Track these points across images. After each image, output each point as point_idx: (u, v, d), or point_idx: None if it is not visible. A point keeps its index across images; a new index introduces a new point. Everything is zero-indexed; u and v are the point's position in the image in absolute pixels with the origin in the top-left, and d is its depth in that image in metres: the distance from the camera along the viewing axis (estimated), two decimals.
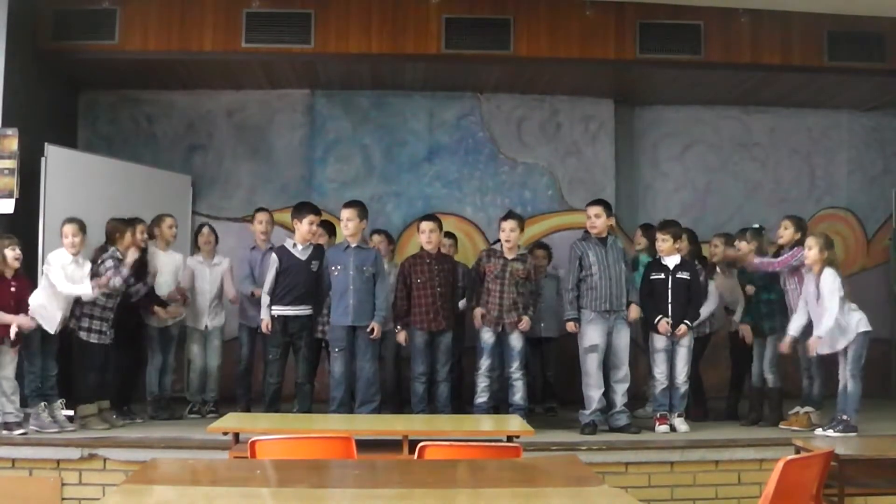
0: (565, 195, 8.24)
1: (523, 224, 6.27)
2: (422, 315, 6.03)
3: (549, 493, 2.94)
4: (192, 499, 2.80)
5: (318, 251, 6.15)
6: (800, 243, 5.98)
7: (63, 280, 5.56)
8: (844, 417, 5.63)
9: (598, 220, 6.02)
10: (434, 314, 6.02)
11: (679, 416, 5.99)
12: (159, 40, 6.93)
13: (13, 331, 5.34)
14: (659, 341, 6.05)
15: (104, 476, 5.25)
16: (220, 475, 3.26)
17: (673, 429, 5.92)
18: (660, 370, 6.03)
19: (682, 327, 5.97)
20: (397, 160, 8.21)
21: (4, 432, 5.38)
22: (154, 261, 6.38)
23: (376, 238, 6.92)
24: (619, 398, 5.95)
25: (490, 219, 7.93)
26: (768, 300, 6.29)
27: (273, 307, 6.02)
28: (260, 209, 6.99)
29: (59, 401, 5.66)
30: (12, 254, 5.45)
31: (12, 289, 5.46)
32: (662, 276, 6.09)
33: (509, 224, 6.06)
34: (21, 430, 5.40)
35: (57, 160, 6.53)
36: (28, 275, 5.72)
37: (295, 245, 6.08)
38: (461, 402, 6.52)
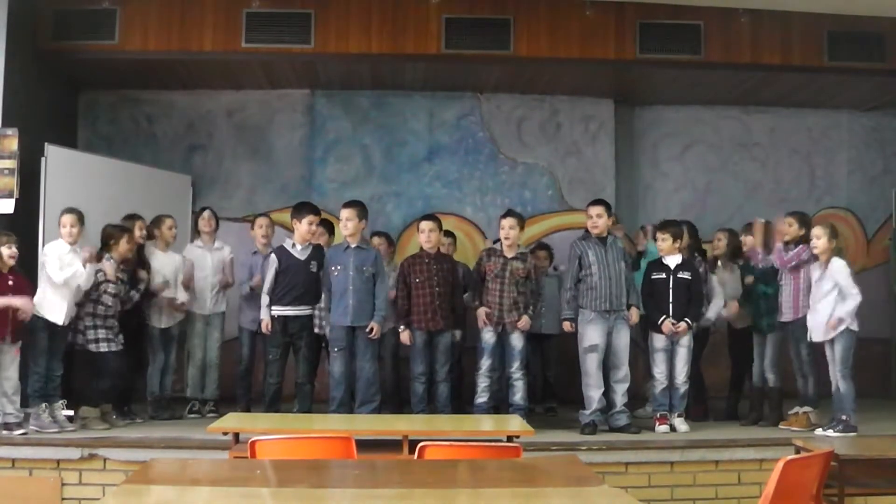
0: (565, 195, 8.25)
1: (523, 222, 6.27)
2: (420, 315, 6.03)
3: (549, 493, 2.94)
4: (192, 499, 2.80)
5: (317, 251, 6.15)
6: (804, 239, 5.98)
7: (57, 270, 5.56)
8: (844, 417, 5.63)
9: (599, 220, 6.03)
10: (432, 314, 6.02)
11: (679, 416, 5.99)
12: (159, 40, 6.93)
13: (16, 303, 5.33)
14: (658, 341, 6.05)
15: (104, 476, 5.25)
16: (220, 475, 3.26)
17: (673, 429, 5.92)
18: (659, 370, 6.03)
19: (683, 325, 5.97)
20: (397, 160, 8.21)
21: (4, 432, 5.38)
22: (152, 261, 6.37)
23: (376, 240, 6.91)
24: (619, 398, 5.95)
25: (490, 219, 7.93)
26: (766, 296, 6.29)
27: (273, 307, 6.02)
28: (260, 214, 6.99)
29: (61, 401, 5.66)
30: (8, 251, 5.44)
31: (10, 283, 5.46)
32: (664, 275, 6.10)
33: (508, 222, 6.07)
34: (21, 430, 5.40)
35: (57, 160, 6.52)
36: (28, 274, 5.71)
37: (294, 245, 6.09)
38: (461, 402, 6.52)
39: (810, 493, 3.45)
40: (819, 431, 5.72)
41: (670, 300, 6.03)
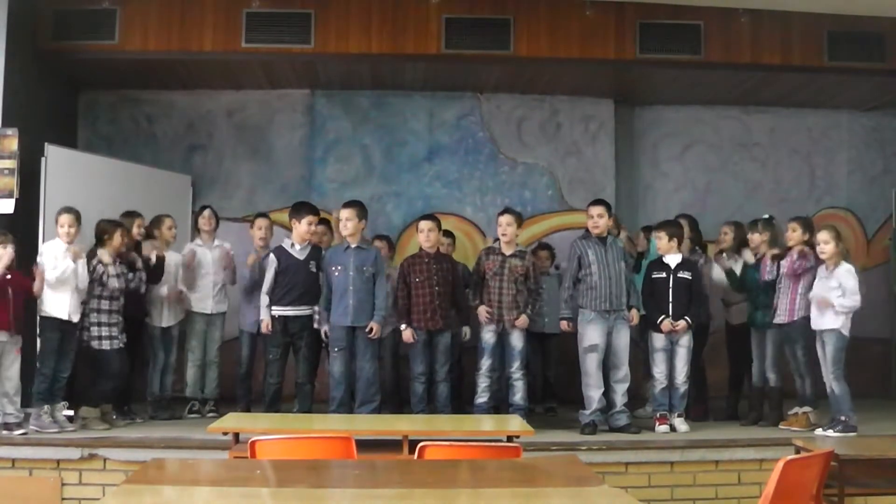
0: (565, 195, 8.24)
1: (520, 219, 6.28)
2: (420, 314, 6.03)
3: (549, 493, 2.94)
4: (192, 499, 2.80)
5: (316, 251, 6.16)
6: (807, 244, 5.98)
7: (51, 269, 5.57)
8: (843, 418, 5.63)
9: (600, 220, 6.04)
10: (432, 313, 6.02)
11: (679, 416, 5.99)
12: (159, 40, 6.93)
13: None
14: (658, 341, 6.06)
15: (104, 476, 5.26)
16: (220, 475, 3.26)
17: (673, 429, 5.92)
18: (659, 370, 6.03)
19: (682, 323, 5.97)
20: (397, 160, 8.21)
21: (4, 432, 5.38)
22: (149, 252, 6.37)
23: (378, 244, 6.92)
24: (619, 398, 5.95)
25: (490, 219, 7.91)
26: (766, 295, 6.28)
27: (273, 307, 6.02)
28: (260, 215, 6.97)
29: (62, 402, 5.67)
30: (4, 251, 5.45)
31: (8, 277, 5.47)
32: (664, 274, 6.11)
33: (506, 219, 6.09)
34: (21, 430, 5.41)
35: (57, 160, 6.52)
36: (28, 274, 5.71)
37: (293, 245, 6.09)
38: (461, 402, 6.52)
39: (810, 493, 3.45)
40: (819, 431, 5.73)
41: (670, 300, 6.03)
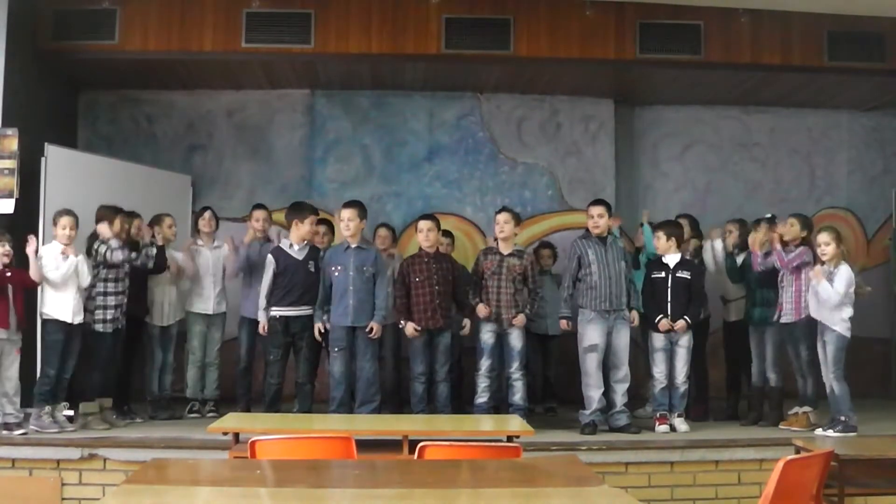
0: (565, 195, 8.25)
1: (518, 218, 6.29)
2: (420, 313, 6.03)
3: (549, 493, 2.94)
4: (192, 499, 2.80)
5: (314, 251, 6.16)
6: (805, 241, 5.99)
7: (53, 269, 5.58)
8: (843, 418, 5.63)
9: (601, 220, 6.04)
10: (432, 312, 6.02)
11: (679, 415, 6.00)
12: (159, 40, 6.93)
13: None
14: (658, 341, 6.06)
15: (104, 476, 5.26)
16: (220, 475, 3.26)
17: (673, 429, 5.92)
18: (659, 370, 6.04)
19: (681, 322, 5.98)
20: (397, 160, 8.21)
21: (4, 432, 5.38)
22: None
23: (383, 232, 6.98)
24: (619, 398, 5.95)
25: (490, 219, 7.85)
26: (763, 291, 6.28)
27: (274, 308, 6.02)
28: (257, 206, 6.97)
29: (62, 402, 5.67)
30: (1, 250, 5.45)
31: (8, 275, 5.47)
32: (663, 274, 6.11)
33: (503, 217, 6.11)
34: (21, 430, 5.41)
35: (57, 160, 6.52)
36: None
37: (291, 246, 6.09)
38: (461, 402, 6.52)
39: (810, 493, 3.45)
40: (819, 431, 5.73)
41: (669, 299, 6.04)
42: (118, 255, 5.83)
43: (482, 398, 6.01)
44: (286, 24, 6.96)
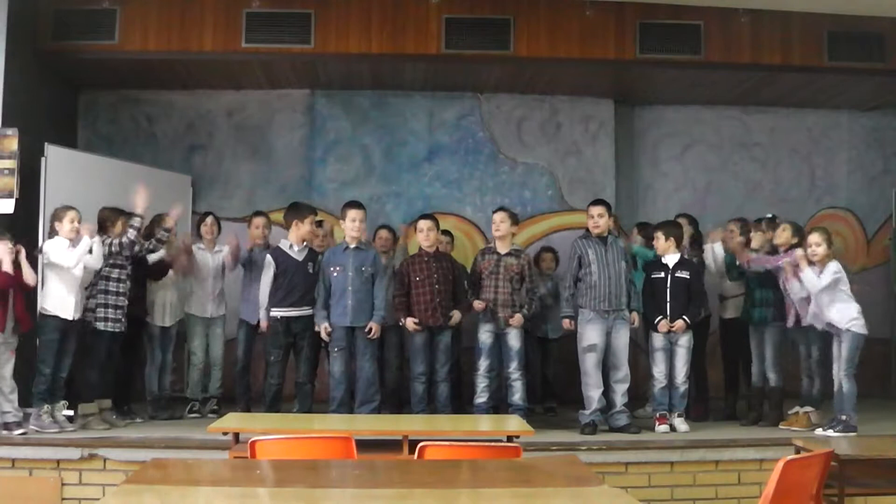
0: (565, 195, 8.25)
1: (515, 217, 6.31)
2: (420, 312, 6.04)
3: (549, 493, 2.93)
4: (192, 499, 2.80)
5: (313, 252, 6.18)
6: (795, 247, 6.00)
7: (67, 256, 5.55)
8: (844, 417, 5.64)
9: (601, 220, 6.05)
10: (433, 311, 6.03)
11: (679, 415, 6.00)
12: (159, 40, 6.93)
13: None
14: (657, 340, 6.06)
15: (104, 476, 5.25)
16: (220, 475, 3.26)
17: (673, 429, 5.92)
18: (659, 370, 6.04)
19: (680, 322, 5.98)
20: (397, 160, 8.21)
21: (4, 432, 5.38)
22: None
23: (384, 233, 6.98)
24: (619, 398, 5.95)
25: (490, 219, 7.91)
26: (762, 290, 6.29)
27: (274, 309, 6.02)
28: (257, 213, 6.98)
29: (61, 402, 5.66)
30: (6, 248, 5.45)
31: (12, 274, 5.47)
32: (662, 274, 6.12)
33: (499, 216, 6.13)
34: (21, 430, 5.40)
35: (57, 160, 6.53)
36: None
37: (291, 246, 6.09)
38: (461, 402, 6.52)
39: (810, 493, 3.45)
40: (819, 431, 5.73)
41: (668, 299, 6.04)
42: (131, 234, 5.82)
43: (481, 398, 6.01)
44: (286, 24, 6.96)
